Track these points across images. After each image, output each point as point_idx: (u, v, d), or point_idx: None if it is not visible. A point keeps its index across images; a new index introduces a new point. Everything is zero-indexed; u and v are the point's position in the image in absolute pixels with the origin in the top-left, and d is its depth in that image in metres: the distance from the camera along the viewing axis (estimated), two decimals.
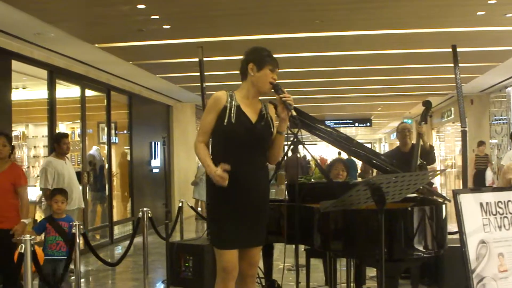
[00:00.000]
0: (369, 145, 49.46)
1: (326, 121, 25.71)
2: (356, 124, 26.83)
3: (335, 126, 26.31)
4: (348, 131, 34.03)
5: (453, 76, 6.68)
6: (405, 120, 22.44)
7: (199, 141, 4.36)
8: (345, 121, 26.31)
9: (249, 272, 4.37)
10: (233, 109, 4.28)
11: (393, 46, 9.65)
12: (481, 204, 3.98)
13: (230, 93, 4.35)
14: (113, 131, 12.98)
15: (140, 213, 7.07)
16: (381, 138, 44.15)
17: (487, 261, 3.88)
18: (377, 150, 43.95)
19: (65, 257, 5.80)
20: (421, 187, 5.48)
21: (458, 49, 6.81)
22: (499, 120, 15.10)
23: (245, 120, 4.24)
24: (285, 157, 5.93)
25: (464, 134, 6.73)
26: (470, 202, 3.95)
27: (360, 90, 15.80)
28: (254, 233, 4.30)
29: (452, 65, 6.68)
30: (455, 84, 6.71)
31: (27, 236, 4.38)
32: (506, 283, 3.92)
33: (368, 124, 26.29)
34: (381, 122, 28.76)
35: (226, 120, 4.24)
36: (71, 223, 6.08)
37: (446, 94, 16.64)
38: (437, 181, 22.80)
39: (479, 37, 8.85)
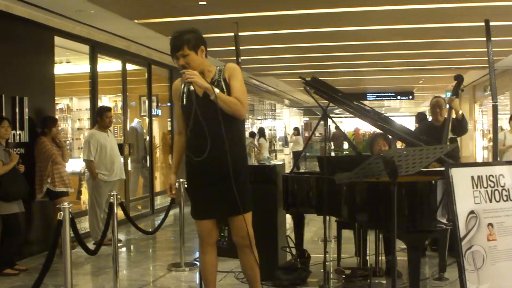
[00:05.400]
0: (412, 118, 49.06)
1: (368, 94, 25.64)
2: (398, 97, 26.61)
3: (377, 99, 26.20)
4: (392, 103, 33.74)
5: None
6: (448, 94, 22.22)
7: (176, 132, 4.70)
8: (387, 94, 26.12)
9: (242, 243, 4.53)
10: (185, 91, 4.45)
11: (430, 20, 9.63)
12: (472, 177, 4.17)
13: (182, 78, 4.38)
14: (154, 104, 13.24)
15: (176, 184, 7.25)
16: (425, 111, 43.66)
17: (477, 231, 4.08)
18: None
19: None
20: (451, 162, 5.62)
21: (493, 23, 6.81)
22: None
23: (193, 98, 4.31)
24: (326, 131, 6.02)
25: (495, 108, 6.79)
26: (461, 175, 4.13)
27: (401, 64, 15.72)
28: (220, 203, 4.43)
29: None
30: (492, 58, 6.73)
31: (66, 204, 4.62)
32: (494, 251, 4.12)
33: (410, 97, 26.04)
34: (424, 95, 28.46)
35: (180, 104, 4.47)
36: None
37: (487, 68, 16.43)
38: (479, 155, 22.63)
39: None
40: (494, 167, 4.37)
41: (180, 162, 4.73)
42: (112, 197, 5.96)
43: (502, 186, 4.27)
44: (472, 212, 4.12)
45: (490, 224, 4.16)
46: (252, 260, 4.55)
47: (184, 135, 4.57)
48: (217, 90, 4.25)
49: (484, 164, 5.11)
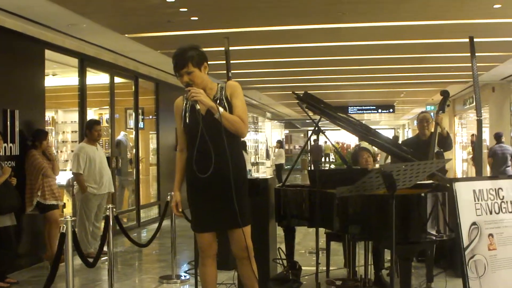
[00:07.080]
0: (392, 131, 49.51)
1: (349, 107, 25.85)
2: (379, 110, 26.90)
3: (358, 112, 26.41)
4: (372, 117, 34.05)
5: None
6: (428, 107, 22.51)
7: (178, 149, 4.76)
8: (368, 107, 26.38)
9: (241, 255, 4.62)
10: (187, 109, 4.54)
11: (414, 36, 9.83)
12: (474, 191, 4.44)
13: (186, 95, 4.44)
14: (140, 117, 13.28)
15: (169, 197, 7.34)
16: (404, 124, 44.09)
17: (478, 241, 4.33)
18: (400, 136, 43.84)
19: None
20: (439, 174, 5.77)
21: (476, 39, 6.97)
22: None
23: (196, 115, 4.34)
24: (308, 144, 6.14)
25: (479, 123, 6.94)
26: (464, 189, 4.36)
27: (383, 78, 15.95)
28: (222, 217, 4.51)
29: None
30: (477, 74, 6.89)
31: (68, 217, 4.69)
32: (495, 260, 4.40)
33: (391, 110, 26.32)
34: (404, 108, 28.81)
35: (183, 122, 4.56)
36: None
37: (468, 82, 16.75)
38: (459, 167, 22.91)
39: (497, 28, 9.01)
40: (493, 181, 4.61)
41: (183, 178, 4.79)
42: (108, 210, 6.02)
43: (501, 199, 4.53)
44: (474, 223, 4.36)
45: (491, 235, 4.41)
46: (250, 271, 4.66)
47: (186, 152, 4.65)
48: (221, 109, 4.34)
49: (485, 178, 5.33)
